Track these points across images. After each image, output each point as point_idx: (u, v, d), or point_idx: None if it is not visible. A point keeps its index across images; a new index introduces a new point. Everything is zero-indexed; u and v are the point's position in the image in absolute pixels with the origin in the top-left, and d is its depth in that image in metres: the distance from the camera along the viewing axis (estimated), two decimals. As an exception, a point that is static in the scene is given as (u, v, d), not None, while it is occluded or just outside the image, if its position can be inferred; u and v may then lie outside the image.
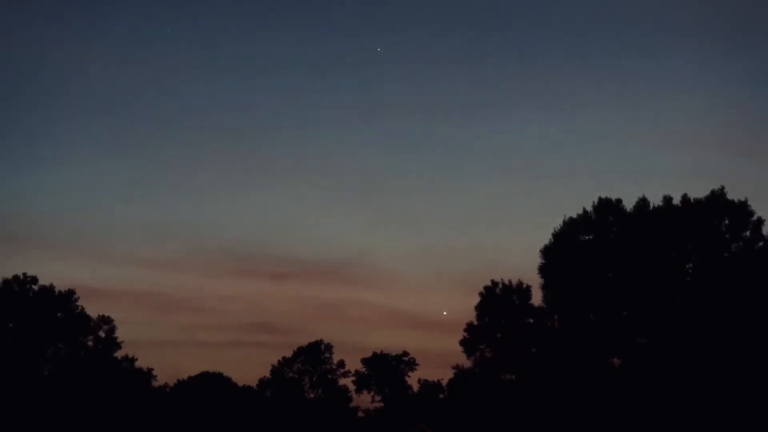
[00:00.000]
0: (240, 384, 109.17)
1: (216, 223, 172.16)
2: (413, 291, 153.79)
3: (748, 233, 66.85)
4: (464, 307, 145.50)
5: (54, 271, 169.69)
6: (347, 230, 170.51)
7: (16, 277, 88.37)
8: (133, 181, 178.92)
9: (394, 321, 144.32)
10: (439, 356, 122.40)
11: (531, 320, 77.13)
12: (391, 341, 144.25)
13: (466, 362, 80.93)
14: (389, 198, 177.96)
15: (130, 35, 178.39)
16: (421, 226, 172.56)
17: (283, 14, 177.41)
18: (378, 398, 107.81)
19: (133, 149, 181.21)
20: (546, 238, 72.42)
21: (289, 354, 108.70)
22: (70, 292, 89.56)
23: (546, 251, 71.38)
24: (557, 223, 72.58)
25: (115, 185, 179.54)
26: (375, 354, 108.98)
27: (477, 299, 79.87)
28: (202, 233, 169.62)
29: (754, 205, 67.27)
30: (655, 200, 69.61)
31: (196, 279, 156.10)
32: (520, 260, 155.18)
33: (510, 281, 79.79)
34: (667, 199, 68.94)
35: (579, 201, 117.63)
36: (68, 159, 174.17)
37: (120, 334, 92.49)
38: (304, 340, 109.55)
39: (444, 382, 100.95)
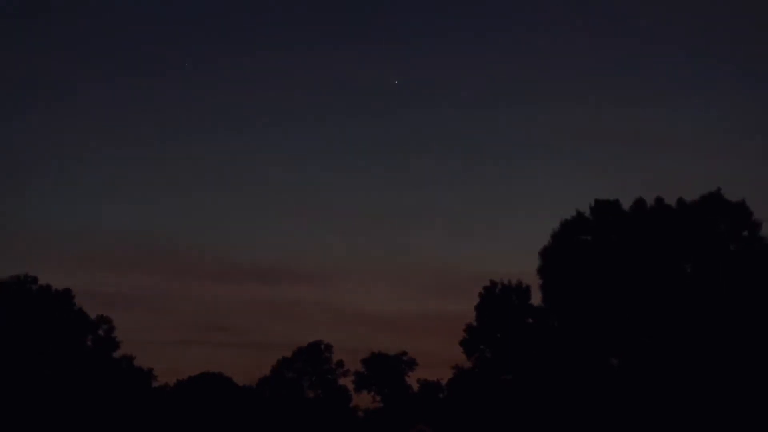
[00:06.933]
0: (240, 384, 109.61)
1: (155, 223, 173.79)
2: (358, 289, 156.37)
3: (746, 233, 67.00)
4: (411, 305, 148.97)
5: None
6: (290, 231, 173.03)
7: (15, 276, 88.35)
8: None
9: (342, 319, 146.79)
10: (431, 355, 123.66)
11: (531, 320, 77.26)
12: (345, 339, 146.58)
13: (466, 362, 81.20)
14: (334, 199, 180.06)
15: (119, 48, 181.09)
16: (367, 226, 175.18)
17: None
18: (378, 398, 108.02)
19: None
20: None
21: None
22: (67, 291, 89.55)
23: (544, 252, 71.48)
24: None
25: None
26: (374, 354, 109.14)
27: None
28: (141, 233, 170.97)
29: (751, 206, 67.59)
30: (653, 200, 69.75)
31: (139, 278, 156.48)
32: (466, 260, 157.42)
33: (510, 281, 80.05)
34: (665, 200, 69.11)
35: (575, 202, 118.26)
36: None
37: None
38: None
39: (444, 382, 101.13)
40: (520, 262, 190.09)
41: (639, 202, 69.97)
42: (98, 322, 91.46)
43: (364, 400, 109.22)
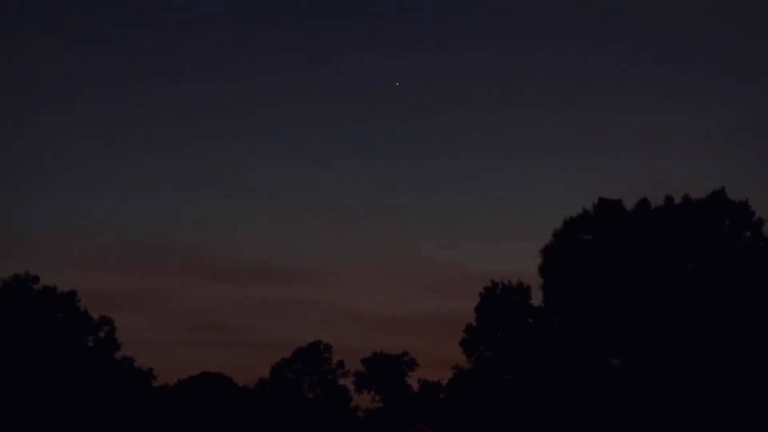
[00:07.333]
0: (240, 384, 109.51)
1: (154, 223, 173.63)
2: (358, 289, 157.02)
3: (748, 233, 66.80)
4: (411, 305, 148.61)
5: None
6: (290, 231, 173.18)
7: (17, 276, 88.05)
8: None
9: (342, 319, 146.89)
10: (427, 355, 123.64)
11: (531, 320, 77.09)
12: (345, 339, 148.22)
13: (466, 362, 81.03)
14: (334, 199, 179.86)
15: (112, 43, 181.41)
16: (367, 226, 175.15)
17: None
18: (378, 398, 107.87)
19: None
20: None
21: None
22: (72, 293, 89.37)
23: (546, 251, 71.26)
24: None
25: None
26: (375, 354, 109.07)
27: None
28: (138, 232, 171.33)
29: (754, 205, 67.40)
30: (656, 200, 69.69)
31: (140, 278, 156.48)
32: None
33: (510, 281, 79.86)
34: (668, 199, 68.86)
35: (575, 202, 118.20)
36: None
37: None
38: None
39: (444, 382, 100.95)
40: (520, 262, 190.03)
41: (642, 202, 69.75)
42: (99, 322, 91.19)
43: (364, 400, 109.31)
